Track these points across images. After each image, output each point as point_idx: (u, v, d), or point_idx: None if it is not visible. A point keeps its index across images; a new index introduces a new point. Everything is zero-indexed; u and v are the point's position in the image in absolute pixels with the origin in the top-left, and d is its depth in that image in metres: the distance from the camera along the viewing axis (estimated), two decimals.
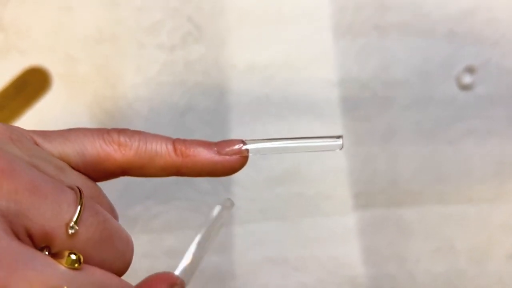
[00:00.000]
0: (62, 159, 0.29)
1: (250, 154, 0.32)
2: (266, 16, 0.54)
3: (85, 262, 0.26)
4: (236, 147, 0.31)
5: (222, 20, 0.54)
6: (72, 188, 0.26)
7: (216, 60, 0.54)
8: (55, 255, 0.25)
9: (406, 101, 0.55)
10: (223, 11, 0.54)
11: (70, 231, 0.25)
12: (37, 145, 0.29)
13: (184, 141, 0.31)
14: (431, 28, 0.55)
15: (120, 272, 0.28)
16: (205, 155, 0.31)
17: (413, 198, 0.55)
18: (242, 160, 0.32)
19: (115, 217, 0.31)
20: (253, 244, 0.54)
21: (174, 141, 0.31)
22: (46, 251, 0.25)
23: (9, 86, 0.53)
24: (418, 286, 0.55)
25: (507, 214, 0.56)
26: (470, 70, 0.55)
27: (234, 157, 0.31)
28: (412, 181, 0.55)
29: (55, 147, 0.29)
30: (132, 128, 0.31)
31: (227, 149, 0.31)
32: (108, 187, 0.32)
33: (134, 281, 0.29)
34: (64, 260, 0.25)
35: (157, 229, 0.53)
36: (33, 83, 0.53)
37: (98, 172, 0.30)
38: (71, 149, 0.30)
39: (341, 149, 0.32)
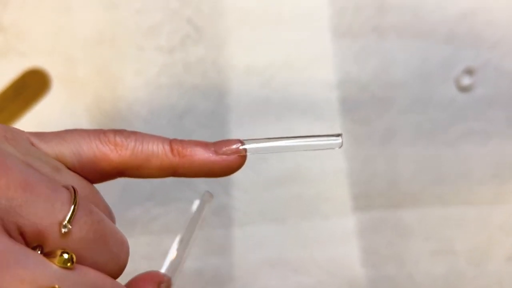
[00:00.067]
0: (58, 159, 0.29)
1: (248, 154, 0.32)
2: (265, 18, 0.54)
3: (78, 262, 0.25)
4: (234, 146, 0.31)
5: (221, 21, 0.54)
6: (66, 188, 0.26)
7: (215, 61, 0.54)
8: (48, 254, 0.25)
9: (405, 103, 0.55)
10: (222, 13, 0.54)
11: (63, 230, 0.25)
12: (33, 145, 0.29)
13: (181, 141, 0.31)
14: (430, 30, 0.55)
15: (114, 274, 0.27)
16: (202, 154, 0.31)
17: (412, 199, 0.55)
18: (240, 160, 0.31)
19: (112, 218, 0.31)
20: (253, 246, 0.54)
21: (171, 141, 0.31)
22: (39, 250, 0.25)
23: (9, 88, 0.53)
24: None
25: (506, 215, 0.56)
26: (469, 71, 0.55)
27: (232, 157, 0.31)
28: (411, 183, 0.55)
29: (51, 148, 0.29)
30: (131, 130, 0.31)
31: (225, 149, 0.31)
32: (107, 189, 0.32)
33: None
34: (56, 259, 0.24)
35: (157, 231, 0.53)
36: (32, 85, 0.53)
37: (95, 172, 0.30)
38: (67, 149, 0.30)
39: (340, 147, 0.32)
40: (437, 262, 0.55)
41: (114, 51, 0.53)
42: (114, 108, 0.53)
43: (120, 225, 0.30)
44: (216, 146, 0.31)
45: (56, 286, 0.24)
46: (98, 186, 0.31)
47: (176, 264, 0.31)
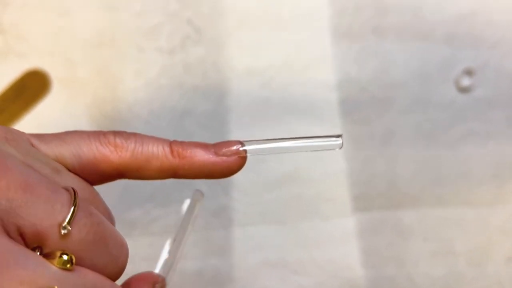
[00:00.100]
0: (58, 161, 0.29)
1: (248, 155, 0.32)
2: (265, 19, 0.54)
3: (78, 264, 0.25)
4: (234, 147, 0.31)
5: (221, 22, 0.54)
6: (66, 189, 0.26)
7: (215, 62, 0.54)
8: (47, 255, 0.25)
9: (405, 104, 0.55)
10: (222, 14, 0.54)
11: (63, 232, 0.25)
12: (33, 146, 0.29)
13: (181, 143, 0.31)
14: (430, 31, 0.55)
15: (113, 276, 0.27)
16: (202, 156, 0.31)
17: (412, 200, 0.55)
18: (240, 161, 0.31)
19: (112, 220, 0.31)
20: (252, 247, 0.54)
21: (171, 143, 0.31)
22: (38, 251, 0.25)
23: (9, 90, 0.53)
24: None
25: (506, 216, 0.56)
26: (468, 72, 0.55)
27: (232, 158, 0.31)
28: (411, 184, 0.55)
29: (52, 149, 0.29)
30: (131, 131, 0.31)
31: (225, 150, 0.31)
32: (107, 190, 0.32)
33: None
34: (55, 261, 0.25)
35: (157, 232, 0.53)
36: (32, 87, 0.53)
37: (95, 174, 0.30)
38: (68, 151, 0.30)
39: (341, 148, 0.32)
40: (437, 263, 0.55)
41: (114, 52, 0.53)
42: (114, 109, 0.53)
43: (120, 226, 0.30)
44: (216, 147, 0.31)
45: (55, 287, 0.24)
46: (98, 187, 0.32)
47: (169, 264, 0.31)
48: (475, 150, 0.56)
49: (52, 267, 0.24)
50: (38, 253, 0.25)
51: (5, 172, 0.25)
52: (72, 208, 0.25)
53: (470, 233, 0.56)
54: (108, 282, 0.26)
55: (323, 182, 0.54)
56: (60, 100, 0.53)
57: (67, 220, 0.25)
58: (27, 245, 0.25)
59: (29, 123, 0.53)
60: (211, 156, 0.31)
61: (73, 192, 0.26)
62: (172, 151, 0.31)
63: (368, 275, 0.54)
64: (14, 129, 0.29)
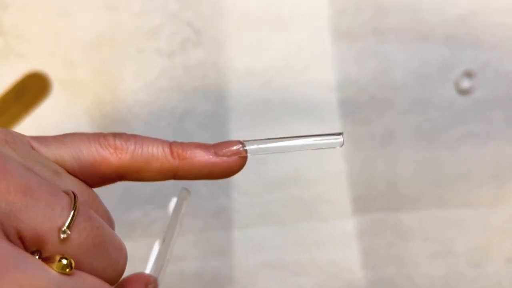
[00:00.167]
0: (58, 163, 0.29)
1: (248, 155, 0.31)
2: (265, 19, 0.54)
3: (77, 268, 0.25)
4: (234, 148, 0.31)
5: (221, 22, 0.54)
6: (66, 193, 0.26)
7: (215, 64, 0.54)
8: (46, 259, 0.25)
9: (404, 105, 0.55)
10: (222, 15, 0.54)
11: (62, 236, 0.25)
12: (33, 149, 0.29)
13: (181, 144, 0.31)
14: (430, 32, 0.55)
15: (112, 280, 0.27)
16: (202, 156, 0.31)
17: (411, 201, 0.55)
18: (241, 161, 0.31)
19: (111, 224, 0.31)
20: (252, 249, 0.54)
21: (171, 144, 0.31)
22: (37, 255, 0.25)
23: (9, 92, 0.53)
24: None
25: (506, 216, 0.56)
26: (468, 74, 0.55)
27: (232, 158, 0.31)
28: (410, 185, 0.55)
29: (51, 152, 0.29)
30: (131, 133, 0.31)
31: (225, 150, 0.31)
32: (106, 192, 0.32)
33: None
34: (55, 265, 0.24)
35: (156, 234, 0.53)
36: (32, 89, 0.53)
37: (95, 176, 0.30)
38: (67, 153, 0.30)
39: (341, 146, 0.32)
40: (437, 264, 0.55)
41: (114, 53, 0.53)
42: (114, 110, 0.53)
43: (120, 228, 0.30)
44: (216, 147, 0.31)
45: None
46: (98, 188, 0.31)
47: (160, 264, 0.31)
48: (475, 150, 0.56)
49: (51, 271, 0.24)
50: (37, 257, 0.25)
51: (5, 175, 0.25)
52: (72, 212, 0.25)
53: (470, 233, 0.56)
54: (106, 286, 0.26)
55: (323, 183, 0.54)
56: (60, 101, 0.53)
57: (66, 224, 0.25)
58: (26, 248, 0.25)
59: (29, 125, 0.53)
60: (211, 156, 0.31)
61: (73, 196, 0.26)
62: (172, 152, 0.31)
63: (368, 276, 0.55)
64: (14, 132, 0.29)
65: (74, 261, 0.25)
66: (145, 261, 0.53)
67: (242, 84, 0.54)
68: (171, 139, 0.32)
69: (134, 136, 0.31)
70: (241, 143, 0.31)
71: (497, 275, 0.56)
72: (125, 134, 0.31)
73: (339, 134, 0.32)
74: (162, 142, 0.31)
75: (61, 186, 0.28)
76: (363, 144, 0.55)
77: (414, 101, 0.55)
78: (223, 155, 0.31)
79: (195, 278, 0.54)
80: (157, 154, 0.31)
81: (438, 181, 0.55)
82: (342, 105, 0.54)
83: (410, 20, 0.55)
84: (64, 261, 0.25)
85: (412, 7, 0.55)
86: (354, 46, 0.55)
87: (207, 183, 0.53)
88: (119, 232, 0.29)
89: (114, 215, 0.32)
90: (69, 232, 0.25)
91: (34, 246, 0.25)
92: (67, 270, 0.25)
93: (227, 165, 0.31)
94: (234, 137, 0.53)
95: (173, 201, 0.32)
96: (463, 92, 0.55)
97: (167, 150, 0.31)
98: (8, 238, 0.24)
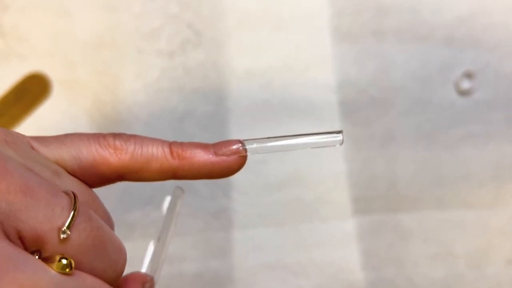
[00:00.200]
0: (58, 163, 0.29)
1: (248, 154, 0.31)
2: (265, 19, 0.54)
3: (76, 268, 0.25)
4: (234, 147, 0.31)
5: (221, 23, 0.54)
6: (66, 193, 0.26)
7: (215, 64, 0.54)
8: (46, 259, 0.25)
9: (404, 106, 0.55)
10: (222, 15, 0.54)
11: (62, 236, 0.25)
12: (33, 149, 0.29)
13: (180, 144, 0.31)
14: (430, 33, 0.55)
15: (111, 281, 0.27)
16: (202, 156, 0.31)
17: (411, 202, 0.55)
18: (240, 160, 0.31)
19: (111, 225, 0.31)
20: (252, 249, 0.54)
21: (171, 144, 0.31)
22: (37, 255, 0.25)
23: (9, 93, 0.53)
24: None
25: (505, 218, 0.56)
26: (468, 75, 0.55)
27: (232, 158, 0.31)
28: (410, 186, 0.55)
29: (51, 152, 0.29)
30: (131, 133, 0.31)
31: (225, 150, 0.31)
32: (106, 192, 0.32)
33: None
34: (54, 265, 0.25)
35: (156, 234, 0.53)
36: (33, 90, 0.53)
37: (94, 176, 0.30)
38: (67, 153, 0.30)
39: (341, 144, 0.32)
40: (437, 265, 0.55)
41: (114, 54, 0.53)
42: (114, 111, 0.53)
43: (120, 229, 0.30)
44: (215, 147, 0.31)
45: None
46: (98, 189, 0.31)
47: (156, 263, 0.31)
48: (475, 151, 0.56)
49: (51, 271, 0.24)
50: (37, 257, 0.25)
51: (5, 175, 0.25)
52: (72, 212, 0.25)
53: (470, 235, 0.56)
54: (106, 286, 0.26)
55: (323, 184, 0.54)
56: (60, 102, 0.53)
57: (66, 224, 0.25)
58: (26, 248, 0.25)
59: (30, 126, 0.53)
60: (210, 156, 0.31)
61: (73, 196, 0.26)
62: (171, 152, 0.31)
63: (368, 277, 0.55)
64: (14, 132, 0.29)
65: (74, 261, 0.25)
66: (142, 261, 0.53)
67: (242, 84, 0.54)
68: (171, 140, 0.32)
69: (133, 136, 0.31)
70: (241, 142, 0.31)
71: (497, 277, 0.56)
72: (124, 134, 0.31)
73: (339, 132, 0.32)
74: (162, 142, 0.31)
75: (61, 186, 0.28)
76: (363, 145, 0.55)
77: (414, 102, 0.55)
78: (222, 155, 0.31)
79: (195, 279, 0.54)
80: (157, 154, 0.31)
81: (438, 181, 0.55)
82: (342, 106, 0.54)
83: (410, 20, 0.55)
84: (64, 261, 0.25)
85: (412, 8, 0.55)
86: (354, 47, 0.55)
87: (207, 183, 0.53)
88: (119, 232, 0.29)
89: (114, 216, 0.32)
90: (69, 232, 0.25)
91: (34, 246, 0.25)
92: (67, 270, 0.25)
93: (226, 165, 0.31)
94: (234, 137, 0.53)
95: (167, 200, 0.32)
96: (463, 93, 0.55)
97: (166, 150, 0.31)
98: (8, 238, 0.24)
